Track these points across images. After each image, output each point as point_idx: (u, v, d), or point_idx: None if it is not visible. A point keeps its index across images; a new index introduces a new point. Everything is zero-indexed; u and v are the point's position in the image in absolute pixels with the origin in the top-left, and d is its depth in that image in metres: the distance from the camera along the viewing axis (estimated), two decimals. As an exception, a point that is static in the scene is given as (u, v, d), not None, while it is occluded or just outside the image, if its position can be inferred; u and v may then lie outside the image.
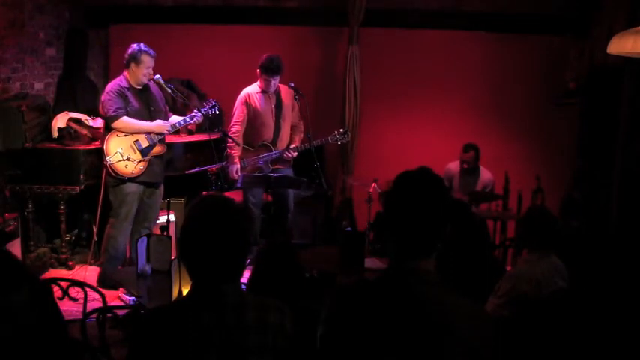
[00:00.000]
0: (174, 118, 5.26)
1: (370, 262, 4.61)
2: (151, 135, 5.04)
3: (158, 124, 5.06)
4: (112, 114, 4.89)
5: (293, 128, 5.65)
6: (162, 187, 5.25)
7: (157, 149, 5.09)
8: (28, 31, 5.82)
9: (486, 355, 1.68)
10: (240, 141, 5.49)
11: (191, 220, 1.88)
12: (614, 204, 5.72)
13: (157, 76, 5.19)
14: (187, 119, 5.19)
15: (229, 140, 5.43)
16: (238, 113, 5.51)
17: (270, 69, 5.36)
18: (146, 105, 5.05)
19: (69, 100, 6.23)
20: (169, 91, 5.19)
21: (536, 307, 3.11)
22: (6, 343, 1.86)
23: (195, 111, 5.22)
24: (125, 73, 4.98)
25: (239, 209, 1.92)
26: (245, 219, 1.92)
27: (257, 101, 5.52)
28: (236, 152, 5.47)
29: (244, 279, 4.52)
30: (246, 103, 5.51)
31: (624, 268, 3.83)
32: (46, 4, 6.11)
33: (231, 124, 5.53)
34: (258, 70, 5.42)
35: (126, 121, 4.92)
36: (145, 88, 5.06)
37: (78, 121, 5.69)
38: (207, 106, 5.22)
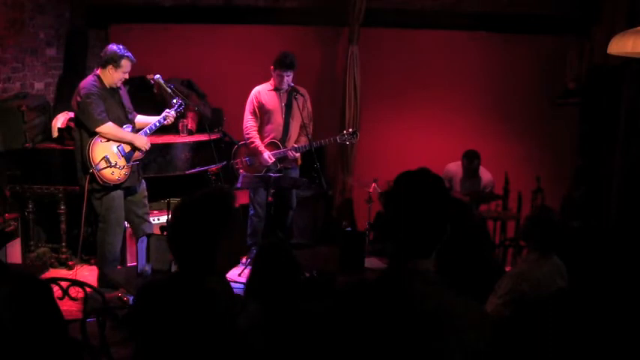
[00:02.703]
0: (142, 118, 5.17)
1: (370, 262, 4.61)
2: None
3: (141, 140, 4.94)
4: (98, 117, 4.73)
5: (301, 128, 5.64)
6: (143, 184, 5.21)
7: (137, 154, 5.01)
8: (28, 31, 5.82)
9: (486, 354, 1.68)
10: (255, 134, 5.56)
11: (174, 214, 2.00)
12: (614, 204, 5.72)
13: (157, 76, 5.17)
14: (161, 120, 5.08)
15: (247, 138, 5.56)
16: (247, 108, 5.61)
17: (284, 64, 5.40)
18: (120, 106, 4.97)
19: (69, 100, 6.23)
20: (169, 91, 5.16)
21: (536, 307, 3.11)
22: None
23: (167, 110, 5.10)
24: (98, 72, 4.83)
25: (220, 205, 1.95)
26: (219, 215, 1.93)
27: (266, 98, 5.56)
28: (258, 144, 5.53)
29: (243, 278, 4.51)
30: (255, 98, 5.58)
31: (624, 268, 3.83)
32: (46, 4, 6.11)
33: (245, 120, 5.62)
34: (271, 66, 5.48)
35: (112, 127, 4.79)
36: (116, 88, 4.94)
37: (78, 121, 5.69)
38: (175, 106, 5.12)
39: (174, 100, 5.15)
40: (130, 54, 4.82)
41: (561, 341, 2.84)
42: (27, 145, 5.45)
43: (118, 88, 4.96)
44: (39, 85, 6.07)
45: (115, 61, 4.77)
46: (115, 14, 6.88)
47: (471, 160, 5.97)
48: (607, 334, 2.77)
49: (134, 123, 5.08)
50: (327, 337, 1.80)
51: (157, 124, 5.09)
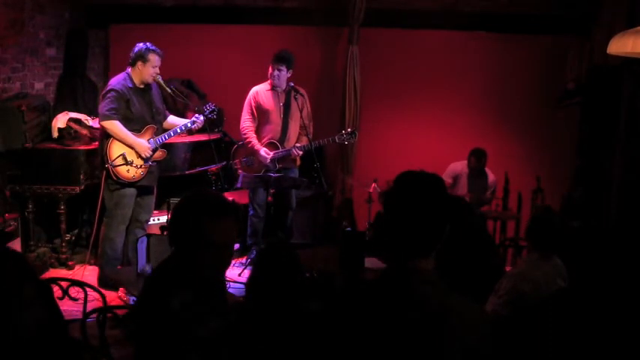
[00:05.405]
0: (173, 119, 5.23)
1: (370, 262, 4.60)
2: (153, 139, 5.00)
3: (142, 145, 4.91)
4: (106, 112, 4.79)
5: (302, 129, 5.64)
6: (155, 189, 5.25)
7: (158, 154, 5.05)
8: (28, 31, 5.82)
9: (485, 354, 1.68)
10: (252, 134, 5.55)
11: None
12: (614, 204, 5.72)
13: (157, 76, 5.18)
14: (188, 124, 5.14)
15: (244, 138, 5.56)
16: (245, 108, 5.61)
17: (276, 57, 5.43)
18: (148, 106, 5.01)
19: (69, 100, 6.23)
20: (169, 91, 5.17)
21: (536, 307, 3.11)
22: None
23: (196, 116, 5.19)
24: (129, 71, 4.90)
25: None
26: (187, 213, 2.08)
27: (264, 98, 5.56)
28: (254, 143, 5.52)
29: (244, 278, 4.51)
30: (253, 98, 5.58)
31: (624, 269, 3.83)
32: (46, 4, 6.11)
33: (242, 120, 5.62)
34: (270, 66, 5.50)
35: (115, 125, 4.80)
36: (147, 87, 5.00)
37: (78, 121, 5.69)
38: (207, 111, 5.19)
39: (207, 106, 5.20)
40: (156, 48, 4.88)
41: (561, 341, 2.85)
42: (27, 145, 5.45)
43: (150, 87, 5.00)
44: (39, 85, 6.06)
45: (142, 57, 4.84)
46: (115, 14, 6.89)
47: (480, 158, 5.98)
48: (607, 334, 2.77)
49: (161, 124, 5.11)
50: (326, 337, 1.80)
51: (183, 128, 5.15)
